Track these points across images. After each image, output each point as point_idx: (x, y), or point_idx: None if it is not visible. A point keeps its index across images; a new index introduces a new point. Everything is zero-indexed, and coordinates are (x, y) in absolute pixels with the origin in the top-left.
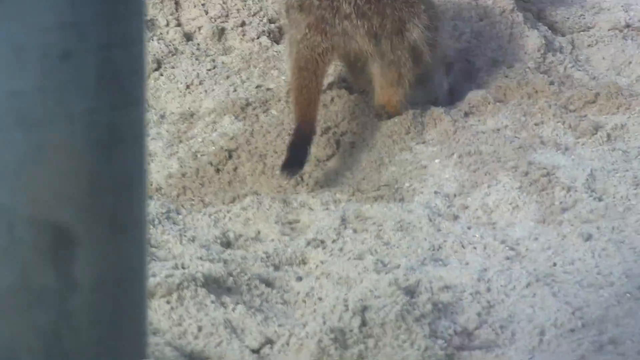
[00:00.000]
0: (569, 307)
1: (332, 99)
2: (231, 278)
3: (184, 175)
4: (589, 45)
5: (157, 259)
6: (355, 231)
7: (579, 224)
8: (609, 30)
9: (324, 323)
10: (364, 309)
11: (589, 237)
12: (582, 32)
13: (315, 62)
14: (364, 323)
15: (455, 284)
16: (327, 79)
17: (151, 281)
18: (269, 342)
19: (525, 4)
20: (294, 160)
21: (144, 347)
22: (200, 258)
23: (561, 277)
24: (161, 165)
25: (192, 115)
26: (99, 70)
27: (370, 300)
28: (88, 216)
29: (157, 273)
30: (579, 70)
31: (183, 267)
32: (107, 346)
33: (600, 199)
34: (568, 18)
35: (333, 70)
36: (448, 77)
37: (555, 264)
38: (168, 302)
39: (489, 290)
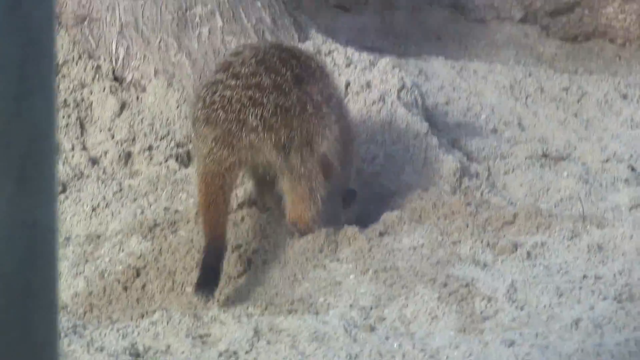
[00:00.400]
0: None
1: (243, 218)
2: None
3: (90, 293)
4: (505, 173)
5: None
6: (269, 342)
7: (501, 332)
8: (525, 159)
9: None
10: None
11: (511, 344)
12: (498, 160)
13: (222, 177)
14: None
15: None
16: (238, 199)
17: None
18: None
19: (439, 132)
20: (208, 280)
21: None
22: (110, 355)
23: None
24: (67, 284)
25: (98, 237)
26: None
27: None
28: None
29: None
30: (496, 195)
31: None
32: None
33: (522, 308)
34: (483, 148)
35: (243, 192)
36: (354, 202)
37: None
38: None
39: None
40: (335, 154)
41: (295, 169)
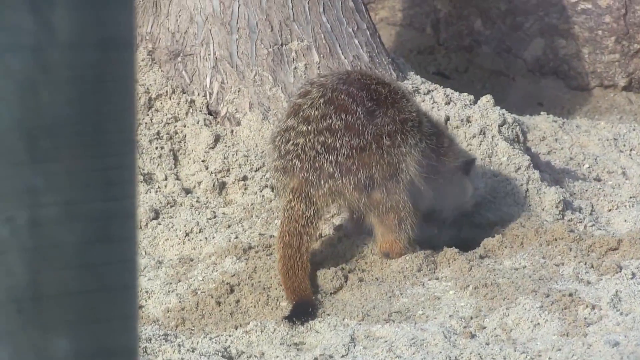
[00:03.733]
0: None
1: (340, 239)
2: None
3: (183, 308)
4: (609, 210)
5: None
6: (365, 347)
7: (605, 335)
8: (630, 197)
9: None
10: None
11: (616, 344)
12: (601, 199)
13: (299, 236)
14: None
15: None
16: (335, 221)
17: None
18: None
19: (542, 174)
20: (299, 313)
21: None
22: (201, 354)
23: None
24: (158, 301)
25: (191, 259)
26: None
27: None
28: None
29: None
30: (600, 229)
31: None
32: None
33: (627, 314)
34: (586, 190)
35: (340, 218)
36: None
37: None
38: None
39: None
40: (422, 177)
41: (380, 204)
